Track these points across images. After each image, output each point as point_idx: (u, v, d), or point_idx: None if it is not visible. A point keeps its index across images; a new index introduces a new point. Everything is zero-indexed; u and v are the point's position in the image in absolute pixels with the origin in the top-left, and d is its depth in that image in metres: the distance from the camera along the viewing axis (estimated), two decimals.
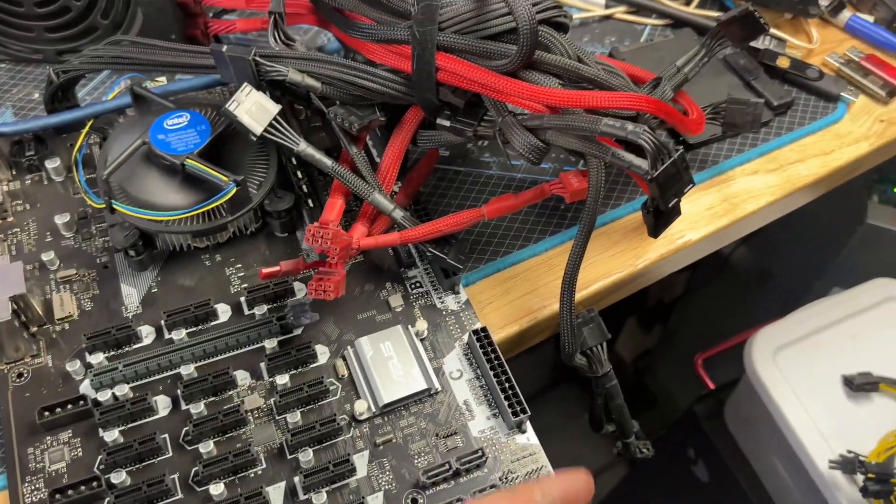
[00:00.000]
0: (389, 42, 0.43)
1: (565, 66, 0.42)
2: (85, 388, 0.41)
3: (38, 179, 0.50)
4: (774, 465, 0.81)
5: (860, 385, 0.73)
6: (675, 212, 0.42)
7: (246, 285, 0.46)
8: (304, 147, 0.43)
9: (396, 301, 0.46)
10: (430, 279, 0.47)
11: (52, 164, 0.49)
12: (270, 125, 0.42)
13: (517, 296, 0.48)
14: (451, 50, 0.42)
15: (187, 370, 0.41)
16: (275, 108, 0.43)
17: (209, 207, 0.43)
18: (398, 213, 0.44)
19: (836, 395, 0.74)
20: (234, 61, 0.42)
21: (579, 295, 0.48)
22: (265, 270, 0.42)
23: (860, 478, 0.67)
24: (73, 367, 0.41)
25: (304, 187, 0.46)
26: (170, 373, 0.42)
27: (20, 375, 0.41)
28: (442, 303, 0.46)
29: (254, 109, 0.42)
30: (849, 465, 0.68)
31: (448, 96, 0.43)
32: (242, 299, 0.45)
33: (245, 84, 0.42)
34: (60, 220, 0.46)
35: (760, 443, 0.82)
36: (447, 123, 0.44)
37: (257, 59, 0.42)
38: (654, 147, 0.38)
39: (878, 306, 0.81)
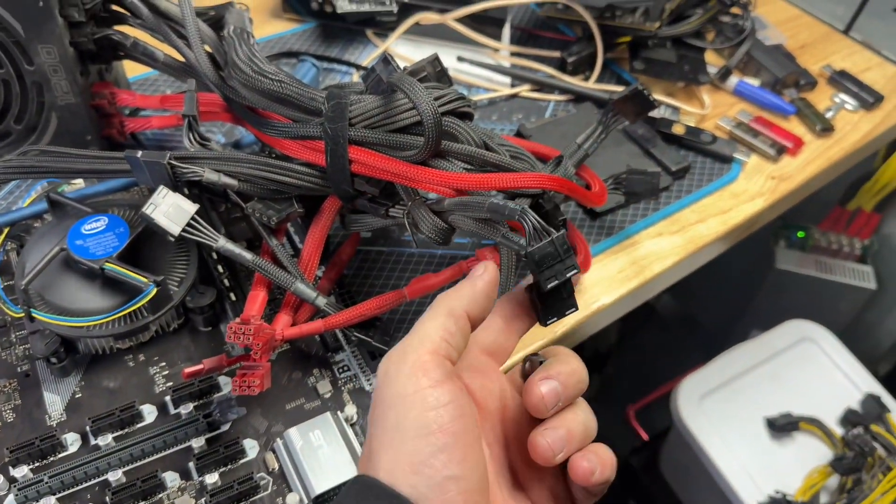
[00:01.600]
0: (303, 138, 0.45)
1: (471, 153, 0.44)
2: None
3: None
4: None
5: (782, 426, 0.77)
6: (568, 303, 0.42)
7: (171, 384, 0.46)
8: (223, 243, 0.44)
9: (325, 387, 0.47)
10: (357, 362, 0.48)
11: None
12: (189, 224, 0.43)
13: None
14: (362, 143, 0.44)
15: (115, 476, 0.41)
16: (192, 208, 0.44)
17: (130, 311, 0.43)
18: (321, 301, 0.45)
19: (760, 436, 0.77)
20: (150, 165, 0.43)
21: (505, 366, 0.50)
22: (188, 370, 0.42)
23: None
24: None
25: (226, 281, 0.47)
26: (97, 479, 0.41)
27: None
28: (370, 385, 0.47)
29: (171, 211, 0.43)
30: None
31: (363, 185, 0.45)
32: (168, 398, 0.45)
33: (161, 186, 0.43)
34: None
35: (694, 489, 0.84)
36: (367, 203, 0.45)
37: (172, 162, 0.44)
38: (531, 225, 0.39)
39: (793, 347, 0.85)
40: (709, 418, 0.78)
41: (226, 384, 0.46)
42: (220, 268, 0.47)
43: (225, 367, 0.43)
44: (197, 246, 0.48)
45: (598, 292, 0.55)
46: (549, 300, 0.39)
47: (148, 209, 0.42)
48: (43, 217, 0.51)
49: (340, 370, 0.48)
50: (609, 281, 0.56)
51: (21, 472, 0.40)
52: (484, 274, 0.35)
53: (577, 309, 0.41)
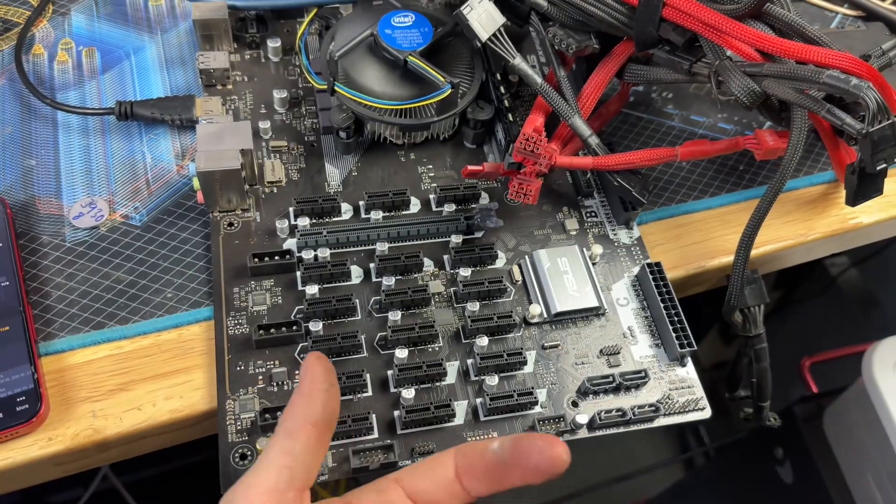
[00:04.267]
0: None
1: (791, 21, 0.43)
2: (289, 245, 0.45)
3: (257, 57, 0.53)
4: (869, 478, 0.80)
5: None
6: (877, 187, 0.42)
7: (435, 185, 0.49)
8: (518, 61, 0.45)
9: (572, 225, 0.48)
10: (605, 211, 0.49)
11: (273, 43, 0.52)
12: (494, 34, 0.45)
13: (687, 243, 0.49)
14: None
15: (382, 247, 0.44)
16: (501, 19, 0.45)
17: (426, 103, 0.46)
18: (593, 140, 0.46)
19: None
20: None
21: None
22: (470, 168, 0.45)
23: None
24: (281, 225, 0.45)
25: (506, 102, 0.48)
26: (365, 247, 0.45)
27: (231, 224, 0.45)
28: (615, 235, 0.48)
29: (483, 17, 0.44)
30: None
31: (668, 33, 0.45)
32: (432, 196, 0.48)
33: None
34: (278, 94, 0.50)
35: (860, 453, 0.81)
36: (664, 56, 0.45)
37: None
38: (876, 104, 0.38)
39: None
40: None
41: (484, 198, 0.48)
42: (502, 88, 0.49)
43: (500, 174, 0.45)
44: (482, 62, 0.50)
45: (857, 210, 0.52)
46: (864, 182, 0.38)
47: (465, 10, 0.44)
48: (340, 8, 0.54)
49: (588, 215, 0.49)
50: (871, 203, 0.53)
51: (303, 221, 0.45)
52: (315, 374, 0.32)
53: (881, 193, 0.40)
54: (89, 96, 0.51)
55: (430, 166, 0.50)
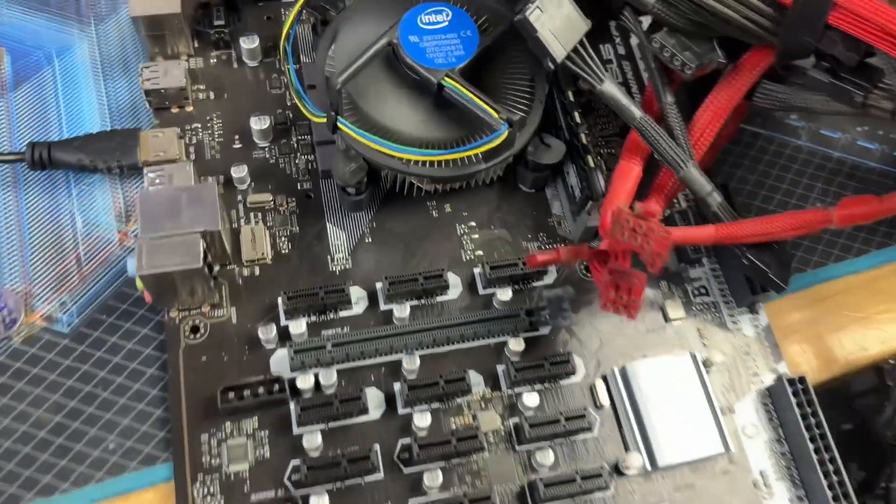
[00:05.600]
0: None
1: None
2: (278, 363, 0.31)
3: (227, 60, 0.38)
4: None
5: None
6: None
7: (481, 252, 0.35)
8: (608, 86, 0.31)
9: (675, 311, 0.34)
10: (718, 285, 0.35)
11: (248, 43, 0.37)
12: (574, 49, 0.30)
13: (829, 328, 0.36)
14: None
15: (411, 363, 0.31)
16: (584, 26, 0.30)
17: (474, 152, 0.31)
18: (715, 199, 0.32)
19: None
20: None
21: None
22: (540, 257, 0.31)
23: None
24: (267, 334, 0.31)
25: (583, 136, 0.34)
26: (386, 357, 0.32)
27: (195, 330, 0.32)
28: (734, 323, 0.35)
29: (560, 25, 0.29)
30: None
31: (833, 46, 0.30)
32: (477, 272, 0.34)
33: None
34: (257, 124, 0.35)
35: None
36: (825, 79, 0.30)
37: None
38: None
39: None
40: None
41: (551, 272, 0.34)
42: (576, 116, 0.34)
43: (582, 259, 0.31)
44: (548, 78, 0.35)
45: None
46: None
47: (531, 14, 0.29)
48: None
49: (696, 292, 0.35)
50: None
51: (297, 327, 0.31)
52: None
53: None
54: None
55: (473, 223, 0.35)
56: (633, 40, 0.40)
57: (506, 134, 0.31)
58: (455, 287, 0.34)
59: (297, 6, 0.35)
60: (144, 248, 0.29)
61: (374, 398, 0.31)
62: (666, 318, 0.34)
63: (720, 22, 0.30)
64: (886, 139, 0.41)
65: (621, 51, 0.40)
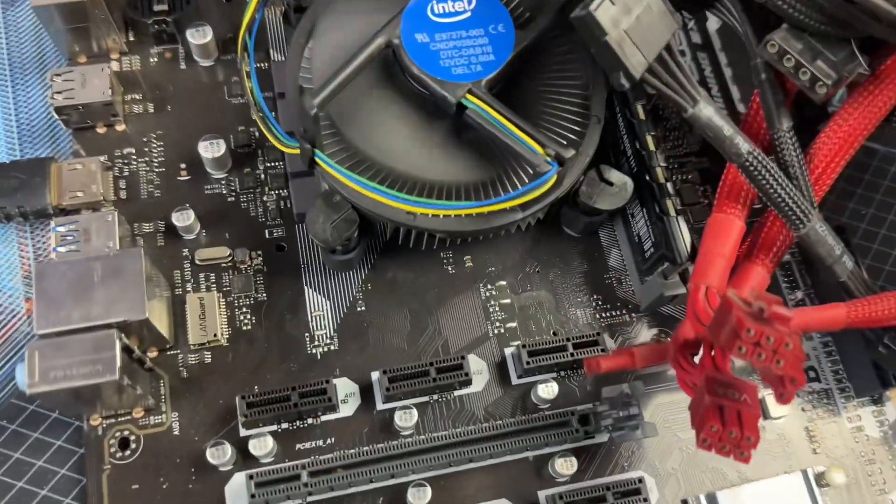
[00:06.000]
0: None
1: None
2: (235, 494, 0.23)
3: (172, 58, 0.29)
4: None
5: None
6: None
7: (513, 324, 0.26)
8: (704, 109, 0.21)
9: (777, 405, 0.25)
10: (832, 369, 0.26)
11: (198, 36, 0.28)
12: (658, 58, 0.20)
13: None
14: None
15: (419, 498, 0.22)
16: (674, 24, 0.20)
17: (512, 203, 0.22)
18: (846, 266, 0.23)
19: None
20: None
21: None
22: (605, 363, 0.21)
23: None
24: (219, 457, 0.22)
25: (659, 174, 0.24)
26: (383, 483, 0.23)
27: (124, 445, 0.23)
28: (855, 416, 0.26)
29: (638, 24, 0.20)
30: None
31: None
32: (509, 354, 0.25)
33: None
34: (209, 151, 0.26)
35: None
36: None
37: None
38: None
39: None
40: None
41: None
42: (651, 142, 0.25)
43: (645, 366, 0.22)
44: (609, 99, 0.25)
45: None
46: None
47: (598, 7, 0.19)
48: None
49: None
50: None
51: (261, 446, 0.22)
52: None
53: None
54: None
55: (503, 283, 0.26)
56: (713, 24, 0.30)
57: (555, 178, 0.22)
58: (479, 376, 0.25)
59: None
60: (37, 354, 0.20)
61: None
62: (765, 415, 0.25)
63: (868, 17, 0.21)
64: None
65: (695, 39, 0.31)
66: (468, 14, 0.23)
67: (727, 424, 0.19)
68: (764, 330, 0.18)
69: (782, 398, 0.18)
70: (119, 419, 0.23)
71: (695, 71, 0.30)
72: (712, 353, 0.21)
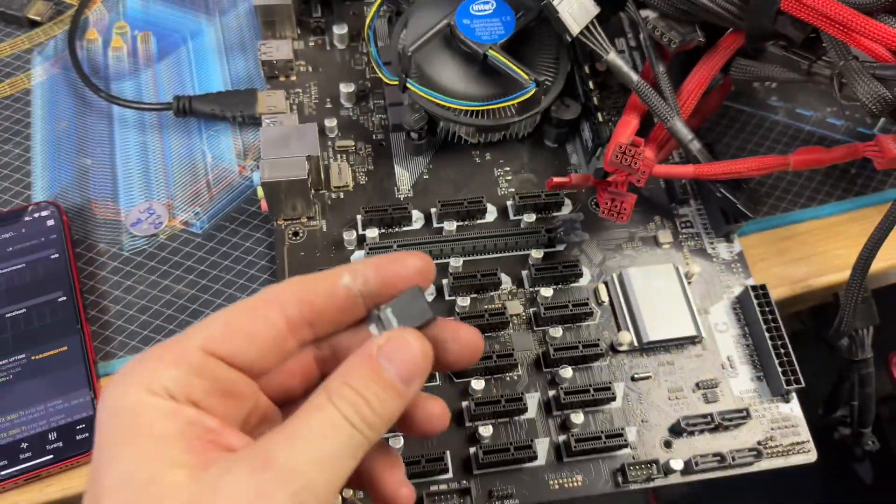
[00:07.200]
0: None
1: None
2: (357, 258, 0.42)
3: (321, 44, 0.49)
4: None
5: None
6: None
7: (513, 189, 0.45)
8: (613, 56, 0.41)
9: (665, 237, 0.44)
10: (702, 220, 0.45)
11: (339, 30, 0.48)
12: (586, 27, 0.40)
13: (792, 258, 0.44)
14: None
15: (456, 262, 0.41)
16: (594, 9, 0.40)
17: (508, 104, 0.42)
18: (695, 145, 0.41)
19: None
20: None
21: None
22: (556, 179, 0.41)
23: None
24: (349, 236, 0.41)
25: (595, 99, 0.44)
26: (438, 261, 0.42)
27: (296, 234, 0.42)
28: (713, 249, 0.44)
29: (575, 7, 0.39)
30: None
31: (786, 27, 0.39)
32: (510, 203, 0.44)
33: None
34: (345, 88, 0.46)
35: None
36: (779, 52, 0.40)
37: None
38: None
39: None
40: None
41: (566, 206, 0.44)
42: (590, 84, 0.44)
43: (588, 185, 0.41)
44: (569, 54, 0.45)
45: None
46: None
47: (555, 0, 0.39)
48: None
49: (683, 225, 0.44)
50: None
51: (372, 233, 0.42)
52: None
53: None
54: (145, 87, 0.48)
55: (508, 168, 0.45)
56: (643, 36, 0.50)
57: (533, 91, 0.41)
58: (491, 213, 0.44)
59: (378, 1, 0.47)
60: (266, 165, 0.40)
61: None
62: (657, 244, 0.44)
63: (699, 9, 0.40)
64: (851, 117, 0.50)
65: (633, 43, 0.50)
66: (491, 11, 0.43)
67: (615, 202, 0.38)
68: (629, 148, 0.37)
69: (639, 183, 0.37)
70: (293, 222, 0.43)
71: (630, 60, 0.49)
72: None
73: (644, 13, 0.42)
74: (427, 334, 0.24)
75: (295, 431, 0.21)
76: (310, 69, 0.48)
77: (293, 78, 0.48)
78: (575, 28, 0.40)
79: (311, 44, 0.49)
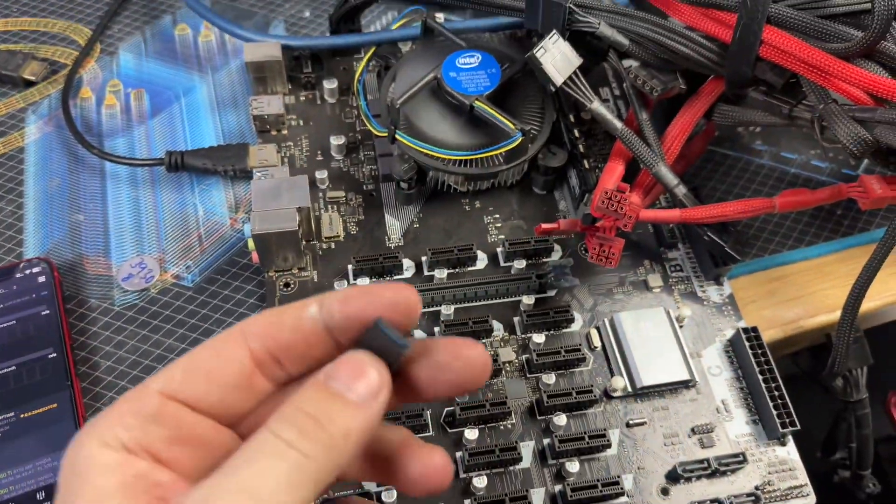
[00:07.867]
0: (710, 7, 0.40)
1: None
2: None
3: (312, 98, 0.50)
4: None
5: None
6: None
7: (503, 236, 0.45)
8: (597, 105, 0.41)
9: (655, 281, 0.44)
10: (691, 264, 0.45)
11: (329, 84, 0.49)
12: (570, 78, 0.41)
13: (783, 299, 0.45)
14: (782, 25, 0.39)
15: (447, 310, 0.41)
16: (577, 61, 0.41)
17: (496, 153, 0.42)
18: (681, 190, 0.42)
19: None
20: (549, 6, 0.41)
21: None
22: (544, 226, 0.41)
23: None
24: (340, 285, 0.42)
25: (581, 147, 0.44)
26: (428, 309, 0.42)
27: (287, 285, 0.42)
28: (703, 292, 0.44)
29: (558, 59, 0.40)
30: None
31: (765, 73, 0.40)
32: (500, 250, 0.44)
33: (553, 32, 0.41)
34: (335, 140, 0.47)
35: None
36: (760, 97, 0.41)
37: (572, 6, 0.41)
38: None
39: None
40: None
41: (557, 251, 0.44)
42: (576, 132, 0.45)
43: (577, 231, 0.41)
44: (554, 104, 0.46)
45: None
46: None
47: (538, 52, 0.40)
48: (398, 45, 0.50)
49: (672, 268, 0.44)
50: None
51: (363, 282, 0.42)
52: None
53: None
54: (138, 143, 0.49)
55: (497, 215, 0.46)
56: (626, 85, 0.51)
57: (520, 140, 0.42)
58: (482, 260, 0.44)
59: (367, 56, 0.48)
60: (257, 217, 0.40)
61: (418, 336, 0.41)
62: (648, 288, 0.44)
63: (680, 58, 0.41)
64: (835, 159, 0.51)
65: (617, 92, 0.51)
66: (476, 63, 0.44)
67: (604, 247, 0.38)
68: (615, 193, 0.37)
69: (626, 228, 0.37)
70: (284, 273, 0.43)
71: (615, 109, 0.50)
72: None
73: (626, 63, 0.43)
74: (422, 363, 0.23)
75: (233, 470, 0.19)
76: (301, 123, 0.49)
77: (284, 132, 0.48)
78: (558, 79, 0.40)
79: (302, 98, 0.50)
